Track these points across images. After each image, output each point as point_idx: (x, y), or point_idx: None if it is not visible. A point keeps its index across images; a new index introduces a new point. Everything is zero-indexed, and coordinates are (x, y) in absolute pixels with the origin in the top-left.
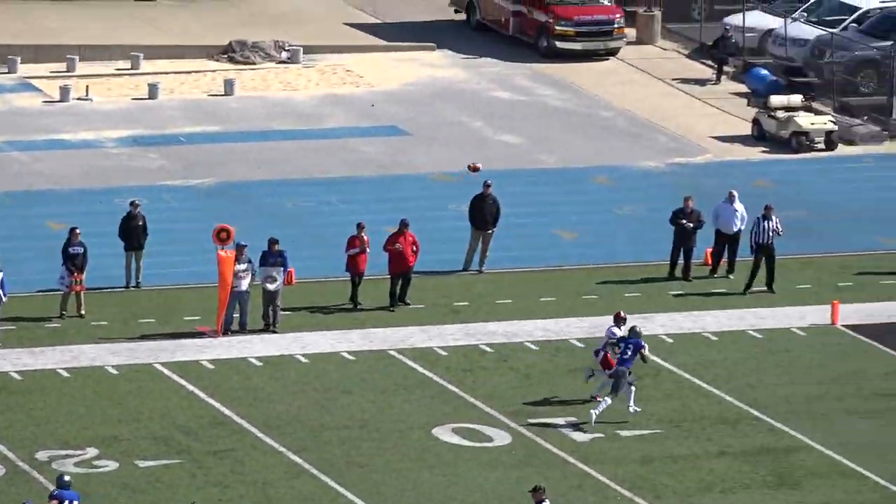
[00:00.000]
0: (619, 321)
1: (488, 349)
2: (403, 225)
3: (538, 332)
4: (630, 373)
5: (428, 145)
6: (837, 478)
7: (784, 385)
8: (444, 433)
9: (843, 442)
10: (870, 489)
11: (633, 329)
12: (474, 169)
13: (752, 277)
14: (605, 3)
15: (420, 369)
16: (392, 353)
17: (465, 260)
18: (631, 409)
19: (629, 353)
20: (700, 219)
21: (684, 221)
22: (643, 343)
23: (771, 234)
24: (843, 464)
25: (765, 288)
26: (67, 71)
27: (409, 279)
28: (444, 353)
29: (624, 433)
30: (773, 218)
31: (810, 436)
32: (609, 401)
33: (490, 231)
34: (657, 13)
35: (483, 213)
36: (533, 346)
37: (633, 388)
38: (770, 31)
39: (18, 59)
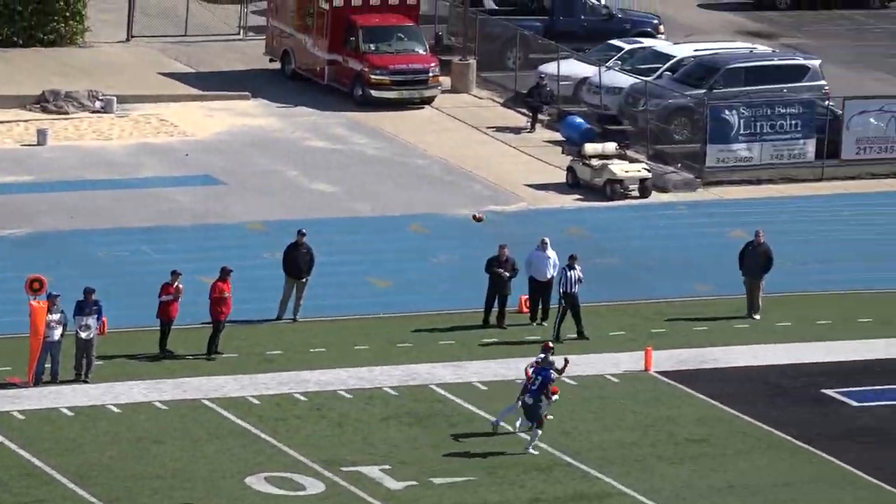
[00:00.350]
0: (547, 350)
1: (302, 398)
2: (226, 272)
3: (351, 381)
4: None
5: (243, 194)
6: None
7: (597, 431)
8: (257, 482)
9: (656, 488)
10: None
11: (545, 359)
12: (478, 219)
13: (559, 326)
14: (421, 52)
15: (233, 418)
16: (205, 402)
17: (279, 308)
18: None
19: (538, 384)
20: (515, 267)
21: (501, 270)
22: (552, 376)
23: (575, 283)
24: None
25: (575, 336)
26: None
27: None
28: (257, 401)
29: (437, 480)
30: (577, 267)
31: (623, 482)
32: (538, 432)
33: (304, 279)
34: (472, 62)
35: (297, 261)
36: (346, 395)
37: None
38: (584, 79)
39: None
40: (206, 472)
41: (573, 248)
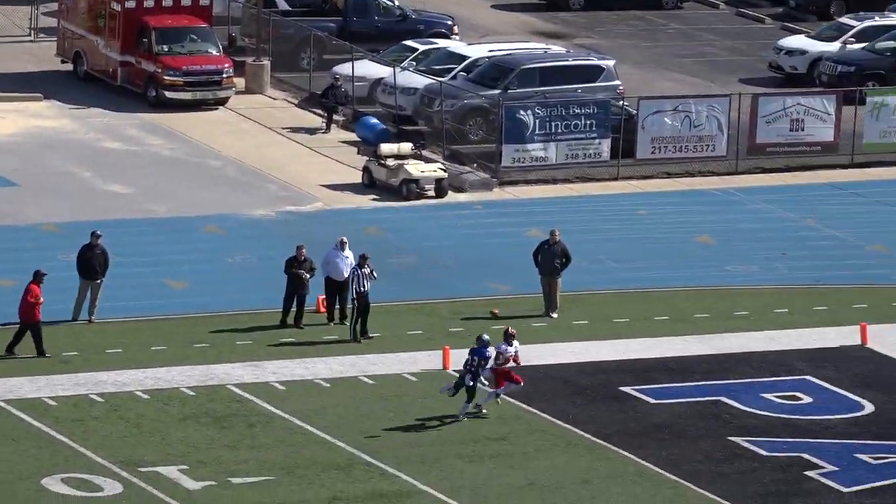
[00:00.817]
0: (508, 338)
1: (99, 399)
2: (40, 276)
3: (149, 381)
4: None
5: (36, 196)
6: None
7: (396, 430)
8: (54, 483)
9: (456, 486)
10: None
11: (479, 338)
12: (495, 315)
13: (355, 326)
14: (214, 53)
15: (29, 420)
16: (0, 403)
17: (74, 310)
18: (461, 416)
19: (475, 364)
20: (312, 266)
21: (302, 272)
22: (487, 354)
23: (366, 282)
24: None
25: (362, 335)
26: None
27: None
28: (53, 403)
29: (236, 480)
30: (368, 266)
31: (423, 480)
32: (470, 403)
33: (99, 281)
34: (266, 63)
35: (92, 262)
36: (144, 395)
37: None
38: (379, 80)
39: None
40: (2, 474)
41: (370, 248)
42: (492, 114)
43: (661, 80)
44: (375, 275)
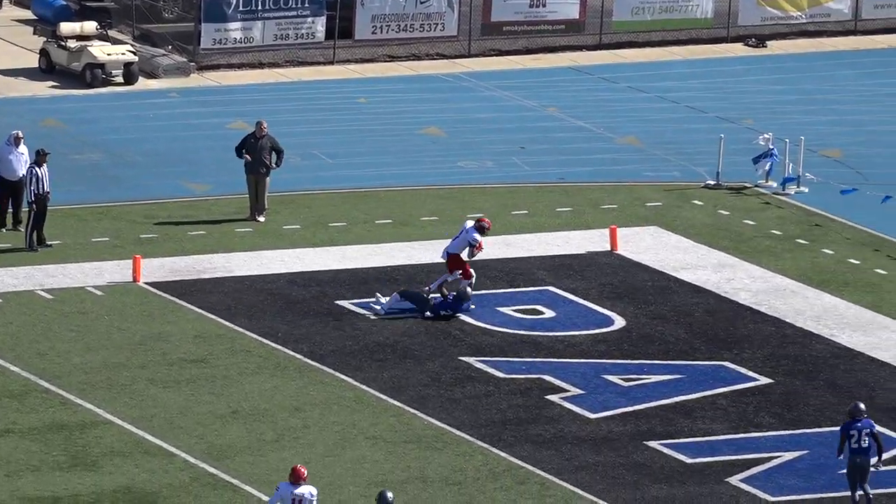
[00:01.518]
0: (481, 230)
1: None
2: None
3: None
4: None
5: None
6: (141, 456)
7: (79, 352)
8: None
9: (148, 415)
10: (178, 468)
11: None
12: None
13: (31, 233)
14: None
15: None
16: None
17: None
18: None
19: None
20: None
21: None
22: (463, 308)
23: (45, 182)
24: (147, 440)
25: (49, 244)
26: None
27: None
28: None
29: None
30: (45, 164)
31: (109, 409)
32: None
33: None
34: None
35: None
36: None
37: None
38: None
39: None
40: None
41: (49, 144)
42: None
43: None
44: (47, 188)
